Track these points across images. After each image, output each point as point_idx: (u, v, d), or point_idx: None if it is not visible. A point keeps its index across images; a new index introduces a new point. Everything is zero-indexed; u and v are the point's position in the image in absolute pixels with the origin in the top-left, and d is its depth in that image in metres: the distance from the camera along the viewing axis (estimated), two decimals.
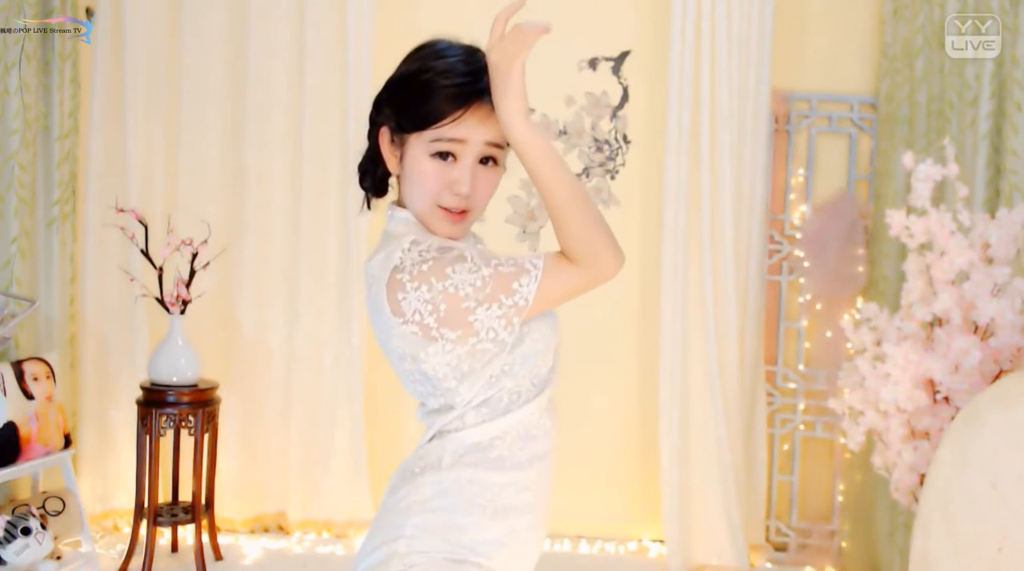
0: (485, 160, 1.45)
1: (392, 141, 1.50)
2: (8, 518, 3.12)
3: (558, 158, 1.39)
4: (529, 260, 1.40)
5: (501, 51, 1.37)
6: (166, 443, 3.73)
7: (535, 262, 1.40)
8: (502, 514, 1.47)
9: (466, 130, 1.41)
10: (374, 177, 1.57)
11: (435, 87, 1.42)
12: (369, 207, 1.61)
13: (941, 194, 3.24)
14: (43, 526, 3.18)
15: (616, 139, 3.98)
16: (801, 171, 3.91)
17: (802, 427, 3.92)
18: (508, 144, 1.45)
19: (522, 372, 1.46)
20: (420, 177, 1.45)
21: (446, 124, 1.41)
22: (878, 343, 3.01)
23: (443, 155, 1.43)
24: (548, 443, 1.52)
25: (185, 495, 3.77)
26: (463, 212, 1.46)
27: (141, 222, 3.53)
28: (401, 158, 1.49)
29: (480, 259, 1.40)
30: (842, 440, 3.71)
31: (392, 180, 1.59)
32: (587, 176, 3.99)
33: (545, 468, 1.52)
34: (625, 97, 3.97)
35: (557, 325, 1.52)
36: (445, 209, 1.45)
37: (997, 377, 2.76)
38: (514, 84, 1.36)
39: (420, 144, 1.44)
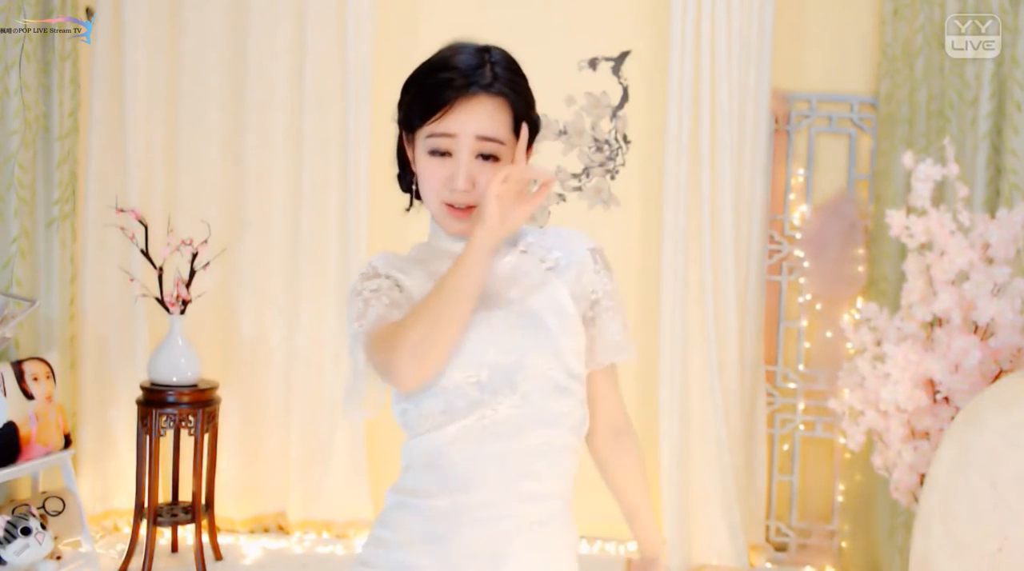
0: (487, 157, 1.39)
1: (407, 141, 1.48)
2: (8, 518, 3.12)
3: (471, 287, 1.31)
4: (360, 342, 1.41)
5: (492, 182, 1.31)
6: (166, 443, 3.73)
7: (358, 356, 1.42)
8: (430, 541, 1.40)
9: (455, 124, 1.37)
10: (404, 179, 1.53)
11: (426, 83, 1.40)
12: (409, 208, 1.56)
13: (941, 194, 3.24)
14: (43, 526, 3.18)
15: (616, 139, 3.98)
16: (801, 171, 3.91)
17: (802, 427, 3.92)
18: (510, 130, 1.42)
19: (423, 397, 1.39)
20: (423, 176, 1.43)
21: (434, 119, 1.38)
22: (878, 343, 3.01)
23: (440, 152, 1.40)
24: (462, 479, 1.38)
25: (185, 495, 3.77)
26: (469, 208, 1.40)
27: (141, 222, 3.53)
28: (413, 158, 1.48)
29: (365, 307, 1.42)
30: (842, 440, 3.71)
31: None
32: (587, 176, 3.99)
33: (463, 505, 1.37)
34: (625, 97, 3.97)
35: (488, 352, 1.39)
36: (450, 206, 1.41)
37: (997, 377, 2.76)
38: (483, 211, 1.30)
39: (420, 142, 1.42)
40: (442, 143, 1.39)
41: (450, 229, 1.44)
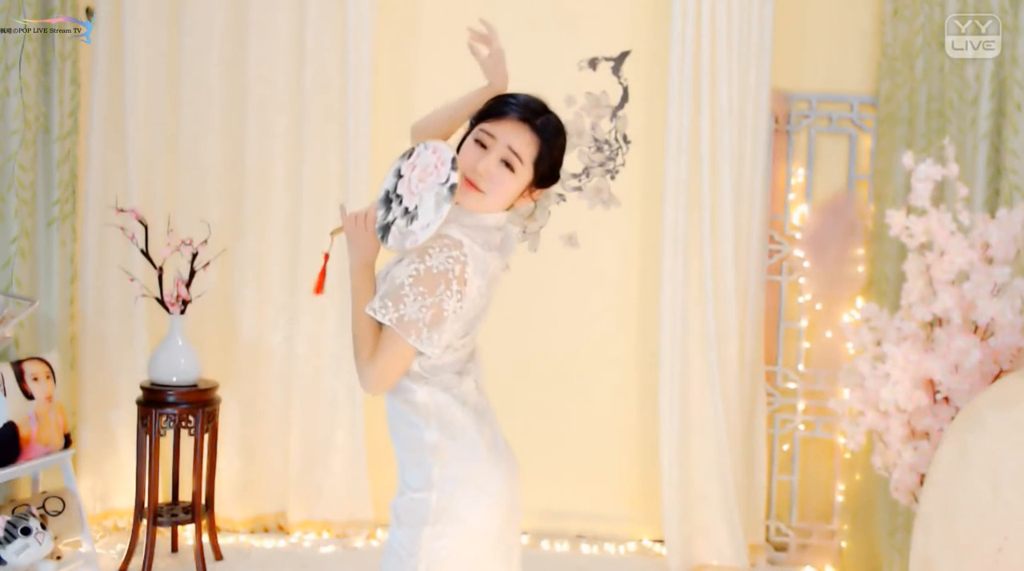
0: (507, 165, 1.85)
1: (466, 131, 1.95)
2: (8, 518, 3.12)
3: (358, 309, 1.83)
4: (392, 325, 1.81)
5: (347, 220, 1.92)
6: (166, 443, 3.73)
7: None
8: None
9: (499, 130, 1.86)
10: None
11: (502, 99, 1.92)
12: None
13: (941, 194, 3.24)
14: (43, 526, 3.18)
15: (616, 139, 3.98)
16: (801, 171, 3.91)
17: (802, 427, 3.92)
18: (531, 162, 1.87)
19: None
20: (462, 155, 1.87)
21: (490, 121, 1.88)
22: (878, 343, 3.01)
23: (481, 144, 1.87)
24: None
25: (185, 495, 3.77)
26: (477, 188, 1.85)
27: (141, 222, 3.53)
28: None
29: (426, 303, 1.79)
30: (842, 440, 3.71)
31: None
32: (587, 176, 3.99)
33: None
34: (625, 97, 3.97)
35: None
36: (467, 180, 1.85)
37: (997, 377, 2.76)
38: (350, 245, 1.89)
39: (474, 132, 1.90)
40: (484, 138, 1.87)
41: (459, 198, 1.84)
